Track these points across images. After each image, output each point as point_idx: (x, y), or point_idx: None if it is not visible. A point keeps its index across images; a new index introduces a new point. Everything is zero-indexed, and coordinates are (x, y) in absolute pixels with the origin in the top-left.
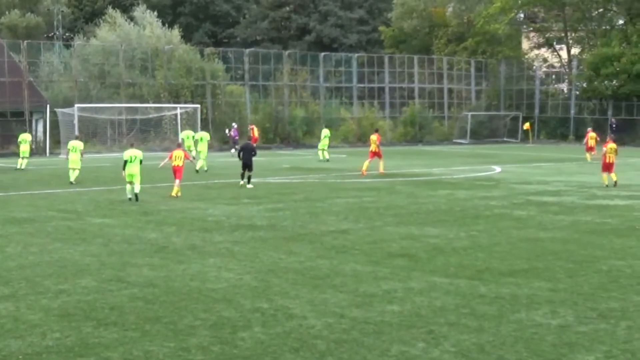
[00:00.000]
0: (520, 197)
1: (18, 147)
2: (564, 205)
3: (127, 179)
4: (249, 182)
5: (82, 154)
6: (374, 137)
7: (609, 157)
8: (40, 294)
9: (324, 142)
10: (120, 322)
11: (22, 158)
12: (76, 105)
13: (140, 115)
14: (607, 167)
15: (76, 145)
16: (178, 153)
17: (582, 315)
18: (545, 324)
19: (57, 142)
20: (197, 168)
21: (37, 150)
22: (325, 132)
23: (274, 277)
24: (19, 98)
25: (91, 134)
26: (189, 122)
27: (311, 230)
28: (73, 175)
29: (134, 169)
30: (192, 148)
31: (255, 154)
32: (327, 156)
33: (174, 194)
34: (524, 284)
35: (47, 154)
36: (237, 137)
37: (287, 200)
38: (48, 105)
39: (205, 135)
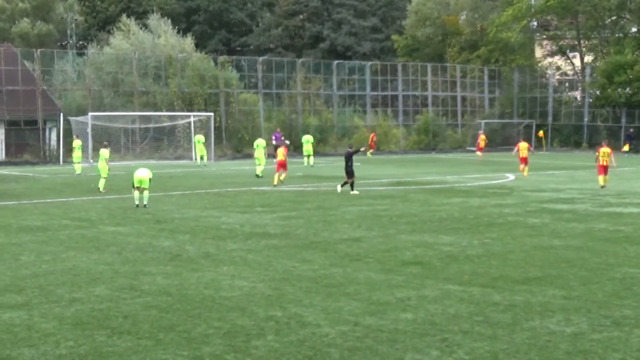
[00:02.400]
0: (534, 204)
1: (71, 153)
2: (578, 212)
3: (136, 184)
4: (342, 186)
5: (107, 162)
6: (524, 144)
7: (603, 160)
8: (53, 303)
9: (306, 148)
10: (134, 330)
11: (79, 163)
12: (90, 114)
13: (154, 124)
14: (602, 170)
15: (101, 153)
16: (280, 150)
17: (595, 323)
18: (559, 331)
19: (70, 151)
20: (257, 173)
21: (50, 158)
22: (305, 137)
23: (287, 285)
24: (32, 107)
25: (104, 142)
26: (202, 131)
27: (325, 238)
28: (101, 184)
29: (143, 176)
30: (204, 152)
31: (355, 153)
32: (311, 162)
33: (279, 180)
34: (538, 291)
35: (61, 163)
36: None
37: (300, 209)
38: (61, 114)
39: (261, 142)
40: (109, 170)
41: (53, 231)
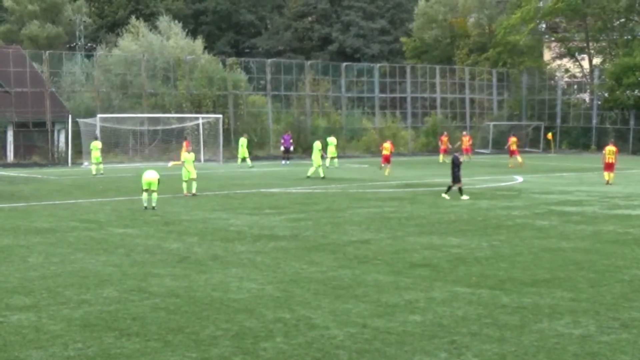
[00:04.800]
0: (542, 207)
1: (90, 154)
2: (586, 215)
3: (144, 187)
4: (461, 193)
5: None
6: (513, 139)
7: (608, 158)
8: (62, 304)
9: (329, 150)
10: (143, 332)
11: (96, 164)
12: (98, 116)
13: (162, 126)
14: (608, 167)
15: (186, 157)
16: (386, 145)
17: (604, 325)
18: (568, 333)
19: (78, 153)
20: (321, 174)
21: (59, 160)
22: (329, 139)
23: (296, 287)
24: (41, 108)
25: (113, 144)
26: (212, 133)
27: (333, 240)
28: (193, 187)
29: (151, 178)
30: (246, 154)
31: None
32: (326, 163)
33: (386, 173)
34: (546, 293)
35: (69, 164)
36: (287, 146)
37: (309, 210)
38: (70, 116)
39: (317, 145)
40: (195, 172)
41: (61, 233)
